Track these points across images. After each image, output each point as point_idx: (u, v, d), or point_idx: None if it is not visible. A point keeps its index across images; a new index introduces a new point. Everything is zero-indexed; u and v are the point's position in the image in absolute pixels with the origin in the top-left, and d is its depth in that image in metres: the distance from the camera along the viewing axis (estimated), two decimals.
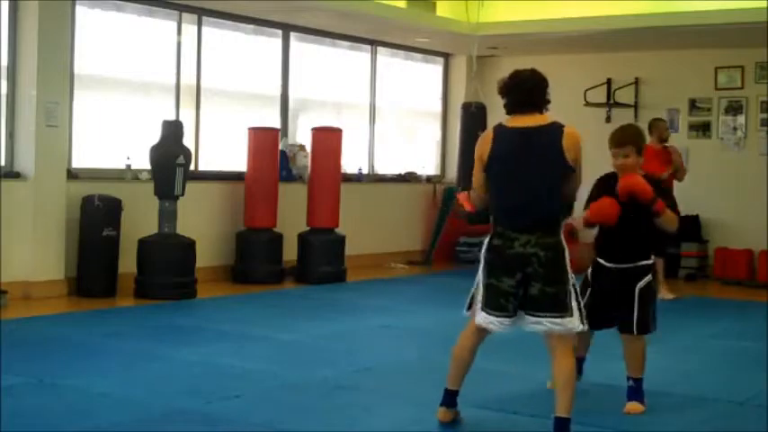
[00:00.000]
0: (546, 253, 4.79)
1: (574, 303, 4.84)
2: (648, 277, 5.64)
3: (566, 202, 5.00)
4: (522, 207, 4.88)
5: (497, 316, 4.91)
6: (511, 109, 5.01)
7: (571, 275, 4.86)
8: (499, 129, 5.02)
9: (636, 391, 5.66)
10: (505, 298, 4.87)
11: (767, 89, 12.32)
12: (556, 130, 4.88)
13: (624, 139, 5.60)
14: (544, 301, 4.81)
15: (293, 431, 5.11)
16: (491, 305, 4.92)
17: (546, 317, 4.82)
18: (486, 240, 4.99)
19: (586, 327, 4.97)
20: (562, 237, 4.88)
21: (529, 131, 4.90)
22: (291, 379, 6.21)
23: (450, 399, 5.19)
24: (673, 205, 5.64)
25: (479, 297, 5.00)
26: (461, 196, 5.38)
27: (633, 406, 5.62)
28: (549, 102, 5.02)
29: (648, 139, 10.08)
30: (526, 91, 4.97)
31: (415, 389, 5.58)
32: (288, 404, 5.59)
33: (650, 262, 5.67)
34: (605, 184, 5.63)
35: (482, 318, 4.97)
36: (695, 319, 9.38)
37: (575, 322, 4.84)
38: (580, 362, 5.89)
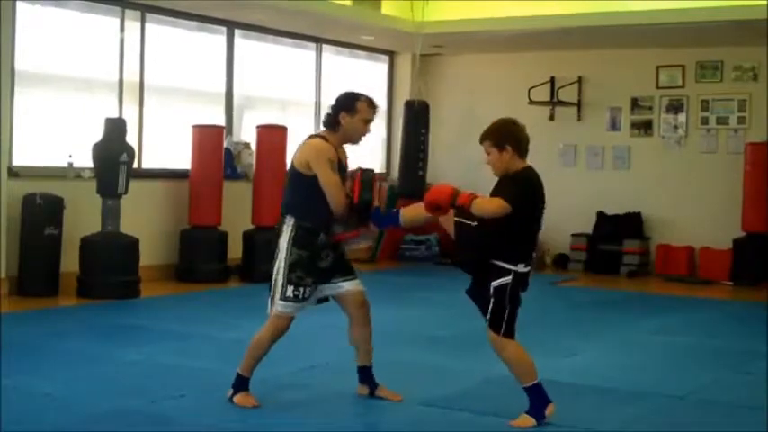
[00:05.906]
0: (275, 239, 5.59)
1: (279, 289, 5.52)
2: (506, 279, 5.13)
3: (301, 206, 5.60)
4: None
5: None
6: None
7: (285, 263, 5.56)
8: None
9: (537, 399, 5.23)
10: None
11: (707, 88, 12.50)
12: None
13: (482, 135, 5.28)
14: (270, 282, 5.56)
15: (238, 430, 5.11)
16: None
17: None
18: None
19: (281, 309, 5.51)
20: (288, 228, 5.58)
21: None
22: None
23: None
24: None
25: None
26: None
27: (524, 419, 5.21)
28: (334, 118, 5.58)
29: None
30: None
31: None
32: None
33: (506, 265, 5.14)
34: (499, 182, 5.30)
35: None
36: (636, 314, 9.50)
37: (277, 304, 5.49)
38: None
